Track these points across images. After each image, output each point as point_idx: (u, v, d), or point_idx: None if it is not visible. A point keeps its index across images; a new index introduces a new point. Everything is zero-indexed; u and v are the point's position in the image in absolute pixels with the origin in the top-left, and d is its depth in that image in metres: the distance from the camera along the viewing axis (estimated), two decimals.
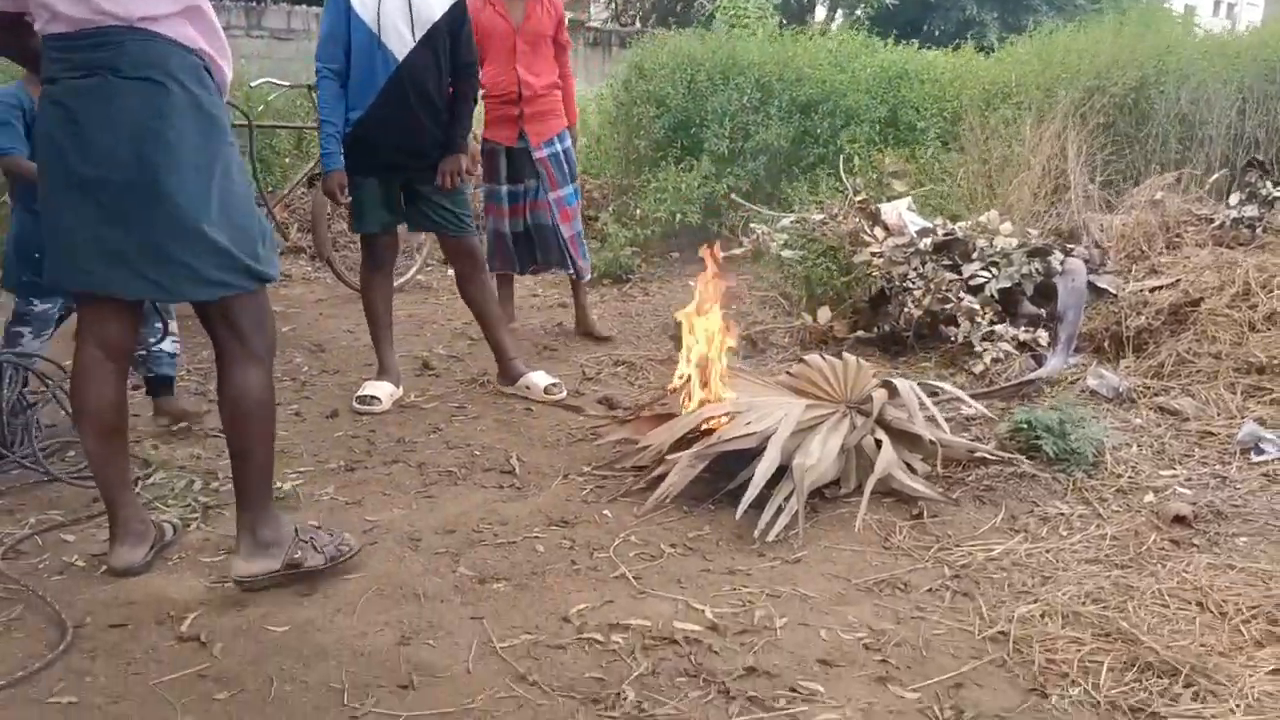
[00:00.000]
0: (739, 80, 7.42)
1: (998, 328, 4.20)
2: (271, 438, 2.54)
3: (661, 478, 3.12)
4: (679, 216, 6.81)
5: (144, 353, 3.65)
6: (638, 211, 7.03)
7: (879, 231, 4.77)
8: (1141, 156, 6.57)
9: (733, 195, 6.26)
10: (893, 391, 3.28)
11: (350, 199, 4.04)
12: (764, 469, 2.96)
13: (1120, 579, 2.61)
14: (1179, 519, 2.92)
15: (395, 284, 6.22)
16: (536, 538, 2.87)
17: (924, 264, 4.55)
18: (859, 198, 4.98)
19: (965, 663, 2.26)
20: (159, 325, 3.63)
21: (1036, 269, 4.51)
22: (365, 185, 4.01)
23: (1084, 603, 2.49)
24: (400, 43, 3.85)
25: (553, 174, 4.89)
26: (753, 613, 2.46)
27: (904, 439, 3.22)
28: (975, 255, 4.59)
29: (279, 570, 2.50)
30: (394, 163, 3.97)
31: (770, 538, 2.84)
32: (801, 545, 2.83)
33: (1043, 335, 4.16)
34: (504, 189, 4.97)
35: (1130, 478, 3.22)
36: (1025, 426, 3.34)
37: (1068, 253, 4.59)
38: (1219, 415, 3.68)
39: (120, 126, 2.31)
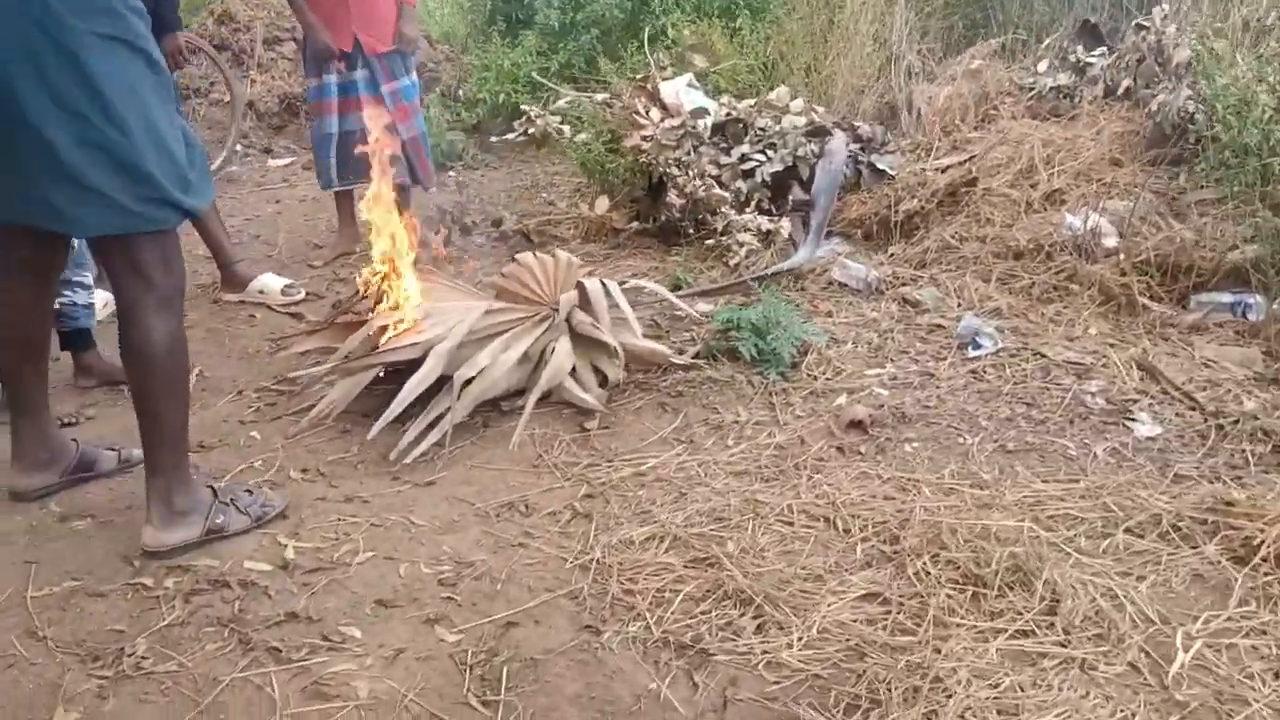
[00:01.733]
0: None
1: (740, 217, 3.94)
2: (185, 393, 2.26)
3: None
4: (503, 98, 6.42)
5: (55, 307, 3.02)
6: (460, 92, 6.63)
7: (656, 113, 4.46)
8: (982, 23, 6.23)
9: (533, 73, 5.87)
10: (584, 292, 3.05)
11: None
12: (415, 381, 2.74)
13: (756, 494, 2.44)
14: (854, 424, 2.75)
15: None
16: None
17: (695, 148, 4.27)
18: (640, 76, 4.64)
19: (537, 596, 2.10)
20: (79, 279, 3.15)
21: (813, 151, 4.25)
22: None
23: (701, 523, 2.32)
24: None
25: (386, 64, 4.29)
26: (340, 547, 2.27)
27: (593, 344, 3.01)
28: (750, 137, 4.31)
29: (199, 538, 2.25)
30: None
31: (411, 458, 2.64)
32: (443, 466, 2.64)
33: (785, 225, 3.92)
34: (332, 80, 4.29)
35: (829, 380, 3.03)
36: (729, 326, 3.13)
37: (839, 133, 4.31)
38: (959, 306, 3.49)
39: (3, 27, 1.94)
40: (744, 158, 4.26)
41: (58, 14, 1.94)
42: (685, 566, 2.16)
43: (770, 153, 4.27)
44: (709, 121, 4.37)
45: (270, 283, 3.96)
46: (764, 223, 3.89)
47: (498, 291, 3.27)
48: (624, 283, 3.19)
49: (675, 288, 3.75)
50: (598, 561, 2.19)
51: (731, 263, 3.89)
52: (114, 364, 3.32)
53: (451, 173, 6.06)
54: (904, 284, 3.66)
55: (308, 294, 4.01)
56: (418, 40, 4.35)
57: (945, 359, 3.14)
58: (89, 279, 3.22)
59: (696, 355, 3.14)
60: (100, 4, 1.99)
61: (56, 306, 3.12)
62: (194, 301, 3.96)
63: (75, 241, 3.12)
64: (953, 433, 2.72)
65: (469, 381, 2.79)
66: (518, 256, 3.34)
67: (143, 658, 1.91)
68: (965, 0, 6.10)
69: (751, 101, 4.59)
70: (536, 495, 2.49)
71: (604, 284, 3.06)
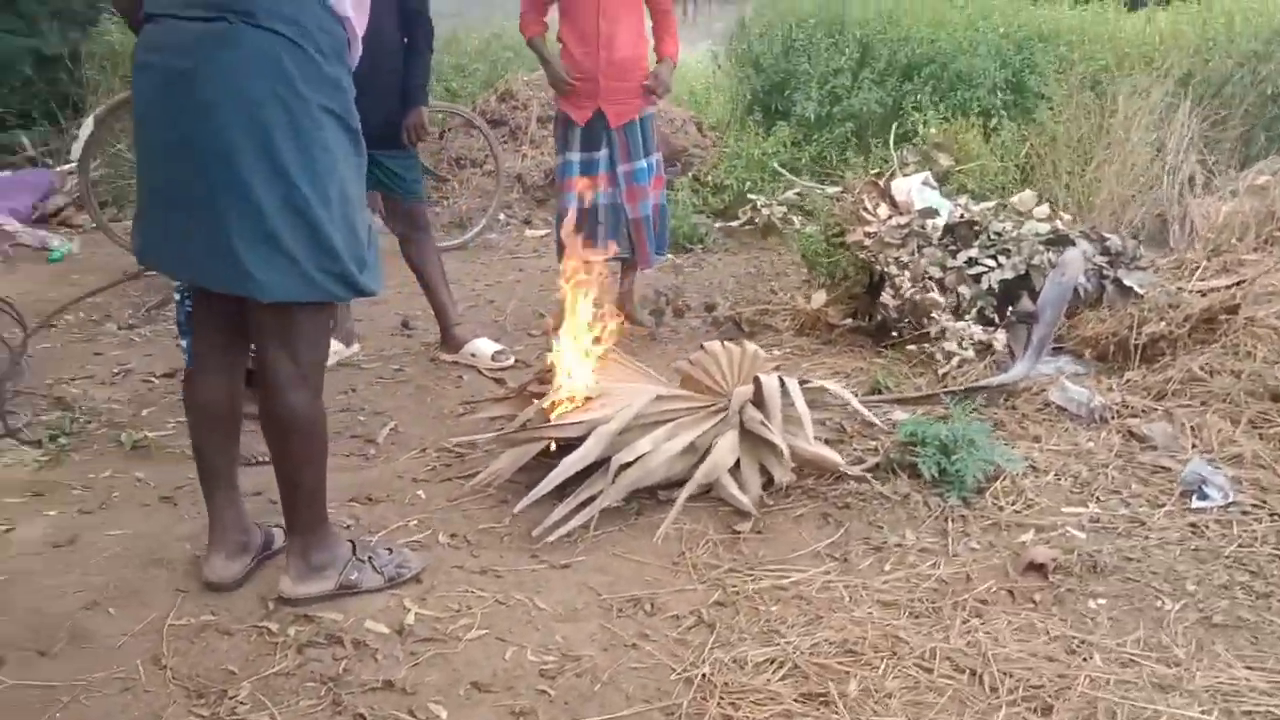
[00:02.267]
0: (841, 39, 6.93)
1: (955, 324, 3.68)
2: (323, 458, 2.29)
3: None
4: (747, 185, 6.43)
5: None
6: (709, 178, 6.71)
7: (884, 209, 4.29)
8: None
9: (775, 164, 5.81)
10: (759, 387, 2.93)
11: None
12: (571, 460, 2.72)
13: (898, 630, 2.21)
14: (1034, 566, 2.45)
15: (456, 242, 6.27)
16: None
17: (920, 249, 4.06)
18: (874, 171, 4.50)
19: (633, 705, 1.98)
20: None
21: (1050, 260, 3.93)
22: None
23: (828, 653, 2.13)
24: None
25: (625, 144, 4.35)
26: (458, 620, 2.26)
27: (762, 443, 2.88)
28: (982, 241, 4.05)
29: (332, 591, 2.31)
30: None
31: (554, 537, 2.60)
32: (585, 550, 2.59)
33: (1000, 336, 3.61)
34: (575, 158, 4.39)
35: (1017, 512, 2.73)
36: (914, 440, 2.91)
37: (1086, 244, 3.96)
38: (1194, 447, 3.07)
39: (237, 82, 2.00)
40: (972, 261, 4.00)
41: (294, 83, 2.02)
42: (796, 700, 1.98)
43: (1002, 259, 3.99)
44: (939, 222, 4.15)
45: (483, 347, 4.11)
46: (978, 332, 3.62)
47: (682, 378, 3.22)
48: (807, 382, 3.04)
49: (874, 391, 3.55)
50: (704, 677, 2.05)
51: (940, 371, 3.64)
52: None
53: (689, 254, 6.12)
54: (1133, 415, 3.27)
55: (517, 361, 4.11)
56: (669, 86, 4.35)
57: (1163, 506, 2.76)
58: None
59: (876, 467, 2.93)
60: (330, 77, 2.09)
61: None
62: (415, 358, 4.19)
63: None
64: (1150, 594, 2.37)
65: (627, 466, 2.74)
66: (705, 345, 3.27)
67: (241, 703, 1.97)
68: (1261, 108, 5.53)
69: (990, 204, 4.32)
70: (666, 595, 2.38)
71: (782, 381, 2.92)
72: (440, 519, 2.75)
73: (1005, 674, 2.06)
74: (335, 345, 4.11)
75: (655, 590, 2.40)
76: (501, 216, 7.07)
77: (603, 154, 4.42)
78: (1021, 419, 3.31)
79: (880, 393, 3.53)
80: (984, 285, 3.93)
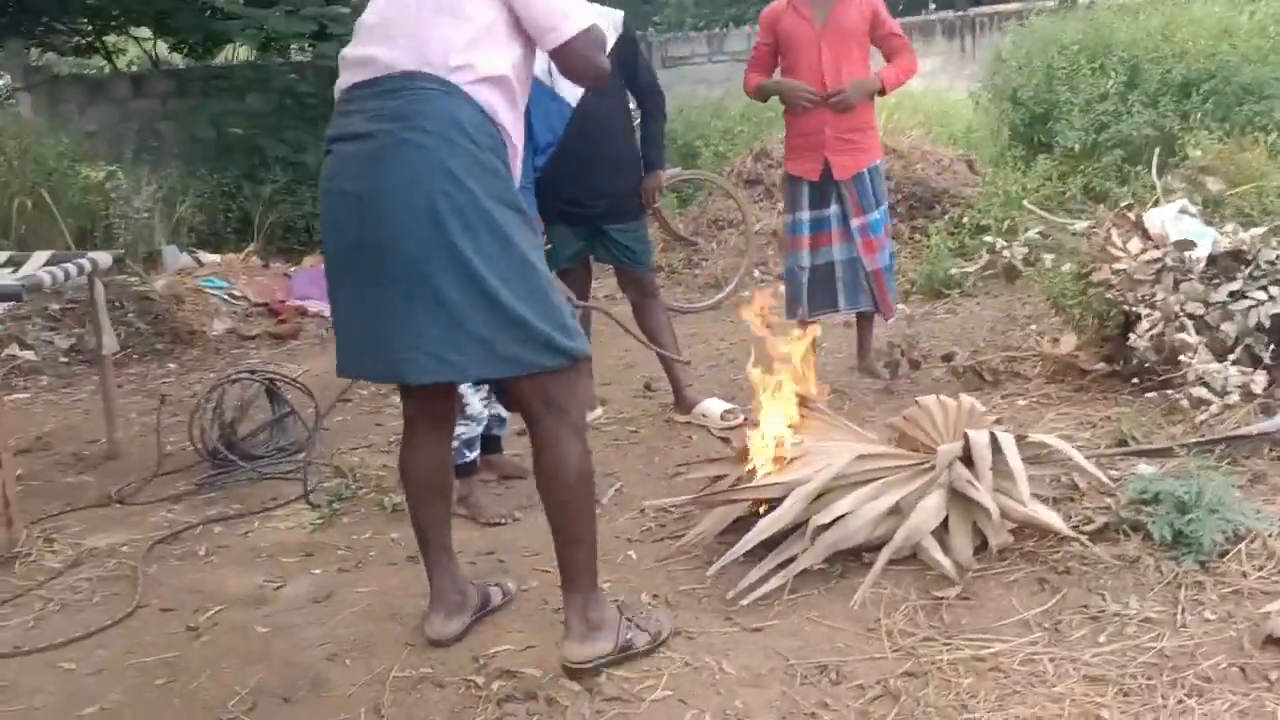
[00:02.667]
0: (1106, 62, 6.52)
1: (1208, 366, 3.33)
2: (593, 513, 2.40)
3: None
4: (1006, 224, 6.16)
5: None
6: (965, 219, 6.49)
7: (1135, 243, 3.99)
8: None
9: (1026, 201, 5.51)
10: (968, 443, 2.82)
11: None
12: (767, 521, 2.74)
13: (1101, 709, 2.05)
14: (1275, 640, 2.19)
15: (710, 302, 6.43)
16: (539, 570, 2.93)
17: (1177, 284, 3.74)
18: (1126, 204, 4.19)
19: None
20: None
21: None
22: (556, 230, 4.26)
23: None
24: (572, 90, 4.03)
25: (856, 198, 4.36)
26: (645, 680, 2.34)
27: (974, 504, 2.76)
28: (1250, 271, 3.67)
29: (613, 653, 2.38)
30: (583, 208, 4.15)
31: (749, 600, 2.63)
32: (779, 613, 2.59)
33: (1260, 379, 3.22)
34: (805, 216, 4.43)
35: (1263, 578, 2.45)
36: (1145, 499, 2.68)
37: None
38: None
39: (408, 186, 2.17)
40: (1237, 295, 3.64)
41: (457, 177, 2.16)
42: None
43: (1275, 290, 3.59)
44: (1200, 253, 3.81)
45: (712, 407, 4.20)
46: (1233, 374, 3.27)
47: (897, 435, 3.16)
48: (1024, 437, 2.89)
49: (1121, 443, 3.30)
50: None
51: (1197, 420, 3.32)
52: (514, 462, 3.79)
53: (945, 299, 5.95)
54: None
55: (747, 419, 4.17)
56: (848, 98, 4.23)
57: None
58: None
59: (1105, 528, 2.73)
60: (489, 166, 2.22)
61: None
62: (651, 420, 4.35)
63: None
64: None
65: (826, 527, 2.72)
66: (919, 399, 3.19)
67: None
68: None
69: (1262, 229, 3.91)
70: (855, 662, 2.34)
71: (994, 436, 2.80)
72: (645, 579, 2.84)
73: None
74: (724, 404, 4.31)
75: (844, 657, 2.36)
76: (756, 273, 7.18)
77: (833, 210, 4.43)
78: None
79: (1126, 444, 3.28)
80: (1252, 321, 3.55)
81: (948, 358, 4.37)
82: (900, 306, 5.24)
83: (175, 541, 3.39)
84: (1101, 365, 3.99)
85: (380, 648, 2.59)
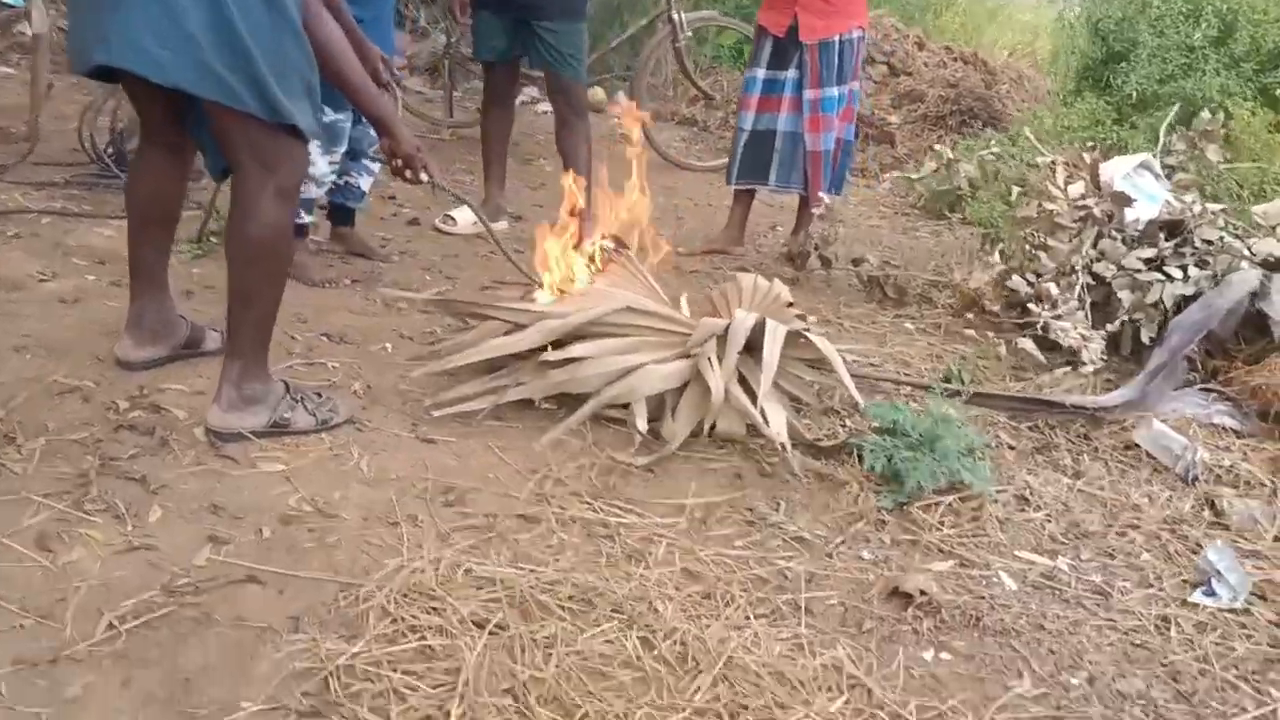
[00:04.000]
0: (1201, 11, 5.85)
1: (1056, 321, 3.00)
2: (280, 282, 2.26)
3: None
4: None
5: (338, 182, 3.51)
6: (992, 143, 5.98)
7: (1077, 187, 3.59)
8: None
9: (1027, 131, 5.00)
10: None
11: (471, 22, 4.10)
12: (499, 343, 2.60)
13: (660, 604, 1.89)
14: (897, 594, 1.99)
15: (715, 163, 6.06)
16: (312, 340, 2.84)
17: (1097, 240, 3.36)
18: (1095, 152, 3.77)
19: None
20: (366, 164, 3.53)
21: (1262, 282, 3.09)
22: (480, 14, 4.03)
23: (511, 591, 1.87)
24: None
25: (817, 66, 4.03)
26: (272, 450, 2.25)
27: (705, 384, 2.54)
28: (1171, 245, 3.27)
29: (264, 428, 2.27)
30: None
31: (443, 413, 2.49)
32: (464, 434, 2.45)
33: (1096, 343, 2.88)
34: (760, 74, 4.13)
35: (950, 535, 2.22)
36: (882, 426, 2.45)
37: None
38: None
39: None
40: (1154, 266, 3.25)
41: None
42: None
43: (1194, 271, 3.20)
44: (1135, 214, 3.41)
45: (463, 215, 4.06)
46: (1068, 329, 2.94)
47: (711, 307, 2.94)
48: (802, 335, 2.64)
49: (946, 380, 3.03)
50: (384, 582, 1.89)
51: (1038, 380, 3.02)
52: (365, 240, 3.67)
53: (944, 220, 5.54)
54: (1236, 485, 2.53)
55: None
56: None
57: (1151, 588, 2.12)
58: (376, 167, 3.55)
59: (833, 448, 2.51)
60: None
61: (341, 182, 3.52)
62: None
63: (374, 131, 3.45)
64: (1012, 669, 1.84)
65: (556, 365, 2.56)
66: (737, 274, 2.96)
67: None
68: None
69: (1219, 207, 3.47)
70: (483, 493, 2.21)
71: (763, 323, 2.56)
72: (376, 373, 2.72)
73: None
74: (463, 217, 4.16)
75: (477, 485, 2.23)
76: None
77: (790, 74, 4.10)
78: (1080, 451, 2.68)
79: (950, 382, 3.01)
80: (1151, 297, 3.18)
81: (856, 262, 4.06)
82: (840, 197, 4.82)
83: (3, 218, 3.39)
84: (999, 306, 3.65)
85: (68, 353, 2.54)
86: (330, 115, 3.22)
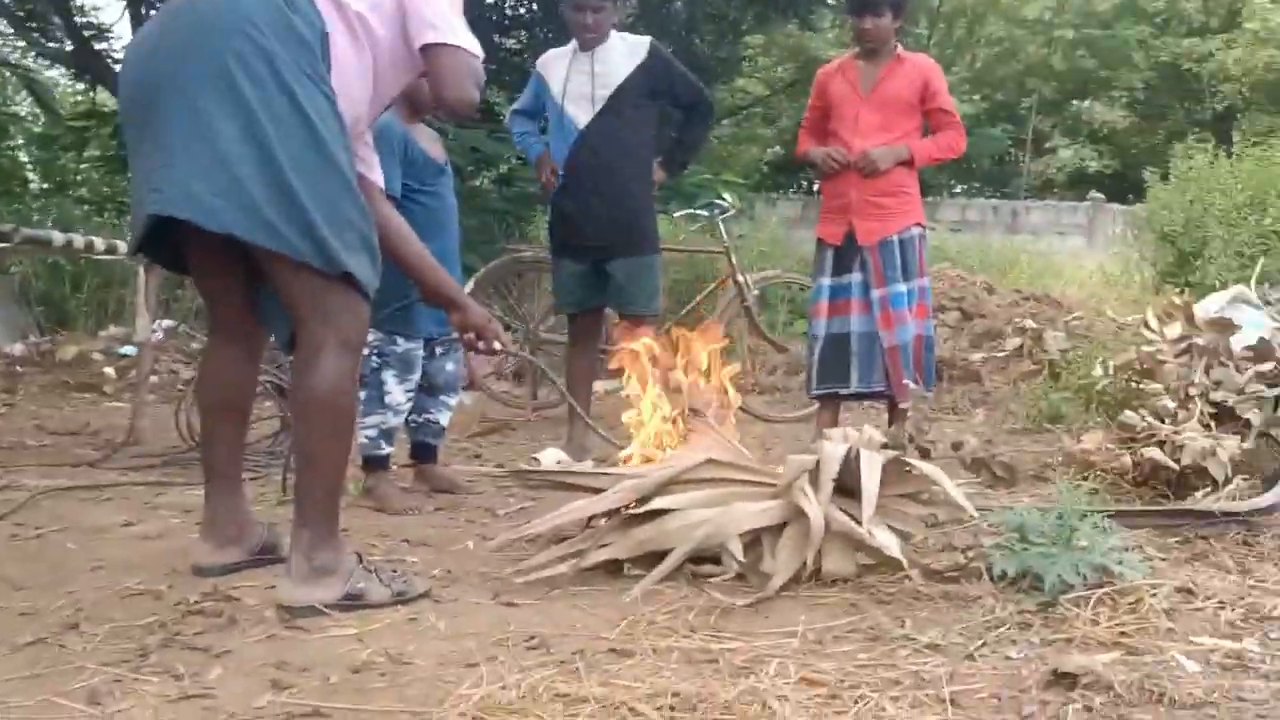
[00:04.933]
0: (1267, 200, 5.88)
1: (1192, 435, 2.73)
2: (346, 444, 2.22)
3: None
4: None
5: (418, 420, 3.50)
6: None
7: (1174, 328, 3.43)
8: None
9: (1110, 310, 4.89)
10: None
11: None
12: (579, 505, 2.45)
13: (772, 701, 1.62)
14: (1061, 677, 1.68)
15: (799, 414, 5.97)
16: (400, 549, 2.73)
17: (1209, 368, 3.16)
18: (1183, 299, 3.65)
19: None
20: (445, 399, 3.53)
21: None
22: (560, 264, 4.20)
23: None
24: (582, 111, 4.02)
25: (880, 265, 4.02)
26: (344, 619, 2.09)
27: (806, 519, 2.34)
28: None
29: (337, 600, 2.14)
30: (584, 238, 4.09)
31: (525, 579, 2.32)
32: (548, 597, 2.26)
33: (1230, 445, 2.59)
34: (825, 282, 4.13)
35: (1109, 629, 1.90)
36: (1008, 531, 2.19)
37: None
38: None
39: (206, 24, 2.08)
40: (1275, 380, 3.02)
41: (260, 27, 2.06)
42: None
43: None
44: (1241, 339, 3.23)
45: (549, 456, 3.94)
46: (1196, 437, 2.67)
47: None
48: (903, 460, 2.46)
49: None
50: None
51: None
52: (450, 476, 3.59)
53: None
54: None
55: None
56: (874, 161, 3.93)
57: None
58: (454, 402, 3.56)
59: (963, 566, 2.25)
60: (304, 39, 2.10)
61: (420, 420, 3.52)
62: None
63: (450, 366, 3.51)
64: None
65: (641, 520, 2.40)
66: (827, 430, 2.81)
67: None
68: None
69: None
70: (571, 637, 1.99)
71: (858, 453, 2.40)
72: (453, 563, 2.58)
73: None
74: (559, 455, 4.13)
75: (565, 633, 2.02)
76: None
77: (855, 278, 4.12)
78: (1244, 556, 2.35)
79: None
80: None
81: (956, 446, 3.86)
82: (928, 394, 4.65)
83: (96, 490, 3.45)
84: (1123, 463, 3.39)
85: (143, 568, 2.47)
86: (403, 344, 3.31)
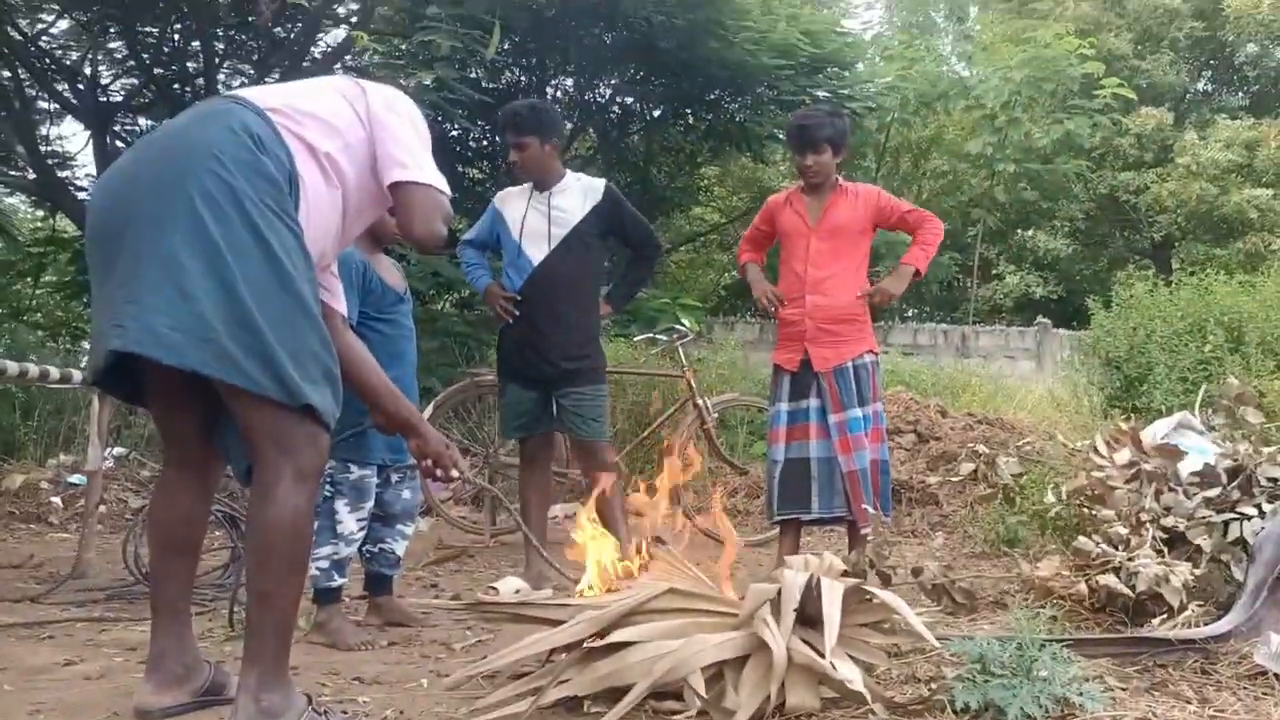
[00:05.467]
0: (1206, 327, 6.08)
1: (1145, 561, 2.76)
2: (301, 580, 2.19)
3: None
4: None
5: (373, 550, 3.46)
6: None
7: (1122, 454, 3.50)
8: None
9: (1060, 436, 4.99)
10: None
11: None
12: (536, 639, 2.42)
13: None
14: None
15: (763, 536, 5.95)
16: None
17: (1158, 494, 3.22)
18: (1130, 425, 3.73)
19: None
20: (400, 528, 3.48)
21: None
22: (508, 390, 4.24)
23: None
24: (537, 248, 4.13)
25: (836, 391, 4.09)
26: None
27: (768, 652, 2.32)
28: (1234, 485, 3.12)
29: None
30: (529, 367, 4.14)
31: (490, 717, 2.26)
32: None
33: (1181, 571, 2.62)
34: (783, 407, 4.19)
35: None
36: (970, 662, 2.19)
37: None
38: None
39: (170, 158, 2.13)
40: (1224, 507, 3.07)
41: (227, 165, 2.08)
42: None
43: (1269, 506, 3.02)
44: (1187, 465, 3.29)
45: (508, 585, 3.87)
46: (1149, 564, 2.70)
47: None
48: (862, 589, 2.46)
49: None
50: None
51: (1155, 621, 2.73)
52: (404, 609, 3.52)
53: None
54: None
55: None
56: (890, 293, 4.10)
57: None
58: (410, 531, 3.51)
59: (926, 699, 2.23)
60: (269, 176, 2.13)
61: (375, 550, 3.46)
62: None
63: (406, 494, 3.48)
64: None
65: (599, 654, 2.36)
66: (788, 558, 2.81)
67: None
68: None
69: (1274, 449, 3.35)
70: None
71: (818, 582, 2.40)
72: (407, 703, 2.51)
73: None
74: (517, 584, 4.09)
75: None
76: None
77: (812, 403, 4.18)
78: (1202, 685, 2.35)
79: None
80: (1233, 535, 2.98)
81: (916, 572, 3.86)
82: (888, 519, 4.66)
83: (38, 626, 3.33)
84: (1079, 589, 3.40)
85: (84, 712, 2.38)
86: (356, 471, 3.29)
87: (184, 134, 2.19)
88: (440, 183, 2.34)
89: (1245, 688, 2.32)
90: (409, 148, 2.33)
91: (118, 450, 6.60)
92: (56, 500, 6.00)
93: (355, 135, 2.32)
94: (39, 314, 10.09)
